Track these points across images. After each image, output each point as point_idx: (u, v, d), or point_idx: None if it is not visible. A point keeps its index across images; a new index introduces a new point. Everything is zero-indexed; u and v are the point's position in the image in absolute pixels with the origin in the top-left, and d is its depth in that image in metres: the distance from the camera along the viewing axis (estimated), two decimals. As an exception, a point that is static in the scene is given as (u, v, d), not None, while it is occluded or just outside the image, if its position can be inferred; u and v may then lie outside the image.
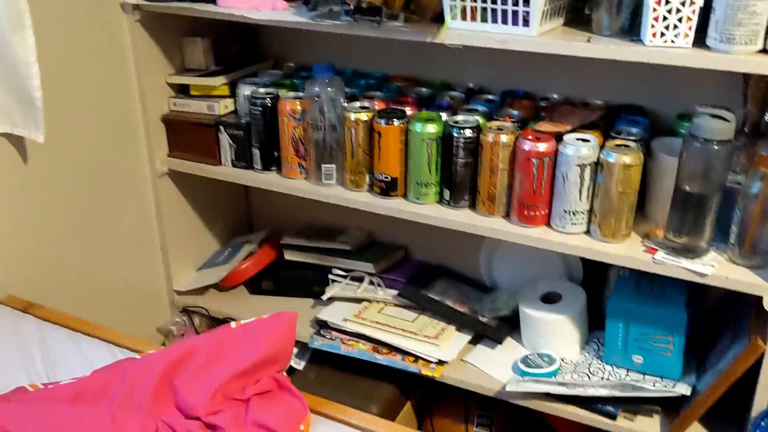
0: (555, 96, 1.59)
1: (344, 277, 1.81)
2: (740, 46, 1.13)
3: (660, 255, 1.31)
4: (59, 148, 1.54)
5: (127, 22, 1.63)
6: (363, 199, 1.55)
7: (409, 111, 1.51)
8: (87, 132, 1.61)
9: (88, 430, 0.96)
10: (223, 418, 1.02)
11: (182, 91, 1.76)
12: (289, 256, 1.88)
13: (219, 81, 1.69)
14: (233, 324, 1.17)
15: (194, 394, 1.04)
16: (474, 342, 1.66)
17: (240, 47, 1.82)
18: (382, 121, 1.48)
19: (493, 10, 1.28)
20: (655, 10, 1.16)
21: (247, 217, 2.12)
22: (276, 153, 1.64)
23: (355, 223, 1.94)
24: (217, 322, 1.89)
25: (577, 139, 1.35)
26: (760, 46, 1.13)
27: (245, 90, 1.66)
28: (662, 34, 1.18)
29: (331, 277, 1.81)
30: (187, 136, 1.73)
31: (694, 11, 1.15)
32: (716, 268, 1.27)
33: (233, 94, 1.71)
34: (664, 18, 1.16)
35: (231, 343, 1.12)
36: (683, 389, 1.41)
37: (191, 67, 1.76)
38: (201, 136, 1.71)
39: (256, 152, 1.66)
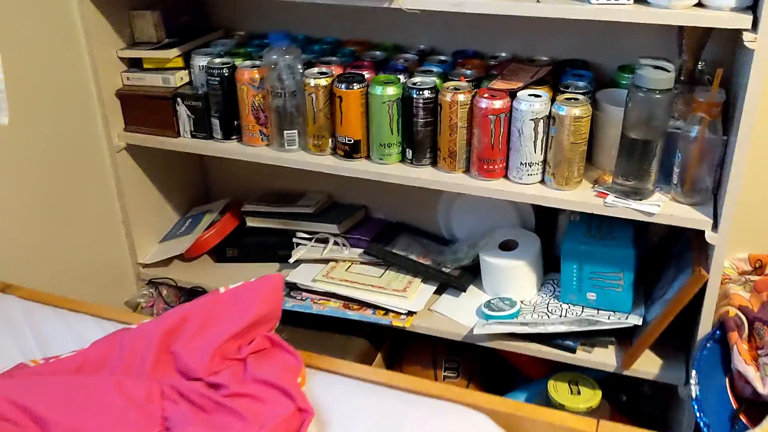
0: (503, 54, 1.67)
1: (309, 239, 1.86)
2: (678, 1, 1.23)
3: (611, 198, 1.42)
4: (15, 129, 1.52)
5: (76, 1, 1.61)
6: (327, 162, 1.60)
7: (366, 74, 1.56)
8: (42, 111, 1.60)
9: (95, 398, 1.01)
10: (224, 377, 1.08)
11: (134, 65, 1.75)
12: (251, 222, 1.92)
13: (173, 53, 1.69)
14: (222, 289, 1.22)
15: (193, 357, 1.09)
16: (439, 292, 1.75)
17: (189, 18, 1.82)
18: (343, 86, 1.52)
19: (447, -26, 1.34)
20: (599, -30, 1.24)
21: (204, 188, 2.14)
22: (236, 122, 1.67)
23: (313, 188, 1.99)
24: (184, 291, 1.92)
25: (530, 95, 1.43)
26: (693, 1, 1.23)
27: (200, 61, 1.68)
28: (607, -7, 1.26)
29: (295, 240, 1.87)
30: (143, 109, 1.74)
31: (635, -30, 1.24)
32: (662, 207, 1.39)
33: (187, 66, 1.72)
34: (608, -22, 1.25)
35: (222, 307, 1.17)
36: (635, 320, 1.54)
37: (142, 41, 1.75)
38: (158, 108, 1.71)
39: (216, 122, 1.68)
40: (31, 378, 1.04)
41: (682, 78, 1.45)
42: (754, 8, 1.21)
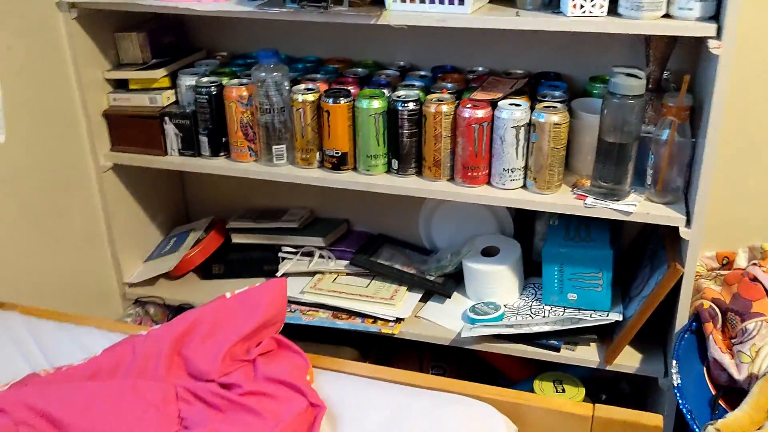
0: (480, 68, 1.75)
1: (294, 253, 1.90)
2: (648, 12, 1.32)
3: (590, 200, 1.50)
4: (2, 148, 1.53)
5: (63, 20, 1.64)
6: (315, 175, 1.65)
7: (351, 90, 1.62)
8: (29, 132, 1.62)
9: (112, 401, 1.03)
10: (236, 377, 1.11)
11: (120, 85, 1.79)
12: (236, 239, 1.95)
13: (160, 73, 1.73)
14: (228, 294, 1.25)
15: (205, 359, 1.12)
16: (424, 299, 1.80)
17: (172, 39, 1.86)
18: (330, 100, 1.58)
19: (430, -9, 1.41)
20: (574, -14, 1.34)
21: (185, 206, 2.16)
22: (224, 138, 1.71)
23: (295, 203, 2.03)
24: (172, 309, 1.94)
25: (510, 104, 1.51)
26: (663, 11, 1.33)
27: (187, 80, 1.72)
28: (581, 6, 1.35)
29: (281, 254, 1.90)
30: (130, 129, 1.77)
31: (607, -16, 1.33)
32: (638, 206, 1.47)
33: (174, 85, 1.76)
34: (582, -7, 1.34)
35: (230, 312, 1.20)
36: (616, 316, 1.61)
37: (127, 62, 1.79)
38: (145, 128, 1.75)
39: (204, 139, 1.72)
40: (46, 385, 1.06)
41: (649, 86, 1.55)
42: (716, 17, 1.31)
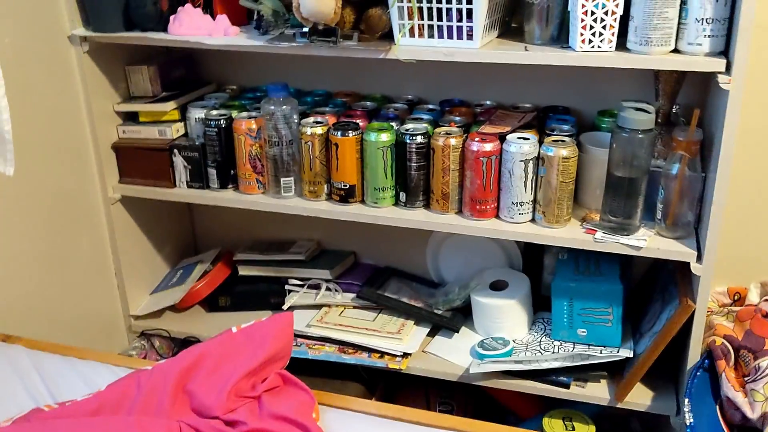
0: (488, 102, 1.75)
1: (301, 286, 1.89)
2: (657, 47, 1.32)
3: (599, 234, 1.48)
4: (12, 180, 1.53)
5: (75, 54, 1.66)
6: (323, 208, 1.65)
7: (360, 123, 1.63)
8: (39, 164, 1.62)
9: (116, 438, 1.01)
10: (241, 414, 1.09)
11: (130, 118, 1.79)
12: (243, 271, 1.95)
13: (169, 106, 1.74)
14: (234, 329, 1.24)
15: (210, 395, 1.10)
16: (432, 334, 1.78)
17: (182, 72, 1.88)
18: (338, 133, 1.58)
19: (439, 27, 1.42)
20: (582, 20, 1.34)
21: (192, 238, 2.16)
22: (233, 171, 1.71)
23: (302, 235, 2.03)
24: (177, 342, 1.92)
25: (519, 138, 1.51)
26: (672, 46, 1.33)
27: (196, 113, 1.73)
28: (590, 41, 1.35)
29: (288, 287, 1.89)
30: (139, 161, 1.77)
31: (615, 20, 1.33)
32: (648, 241, 1.46)
33: (183, 118, 1.77)
34: (591, 27, 1.34)
35: (236, 346, 1.19)
36: (626, 353, 1.59)
37: (137, 95, 1.80)
38: (154, 160, 1.75)
39: (213, 172, 1.72)
40: (50, 420, 1.04)
41: (659, 120, 1.55)
42: (726, 52, 1.31)
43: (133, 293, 1.92)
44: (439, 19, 1.41)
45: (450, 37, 1.42)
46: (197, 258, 2.05)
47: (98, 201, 1.79)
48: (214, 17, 1.61)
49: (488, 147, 1.51)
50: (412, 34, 1.44)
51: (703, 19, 1.29)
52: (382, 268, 1.99)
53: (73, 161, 1.71)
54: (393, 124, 1.62)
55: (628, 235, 1.47)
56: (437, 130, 1.57)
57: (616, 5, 1.32)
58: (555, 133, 1.55)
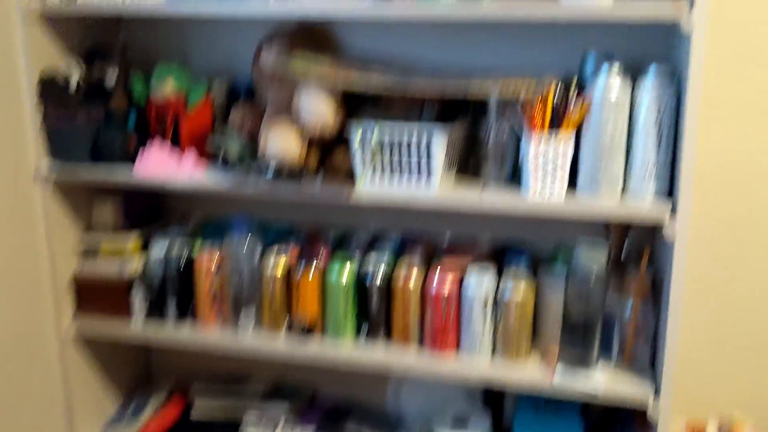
0: (448, 235, 1.79)
1: (258, 422, 1.85)
2: (605, 195, 1.39)
3: (557, 378, 1.50)
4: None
5: (39, 190, 1.67)
6: (281, 348, 1.64)
7: (322, 258, 1.64)
8: (-6, 300, 1.60)
9: None
10: None
11: (91, 251, 1.78)
12: (198, 412, 1.90)
13: (131, 240, 1.74)
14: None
15: None
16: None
17: (146, 204, 1.89)
18: (300, 271, 1.60)
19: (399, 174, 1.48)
20: (534, 174, 1.41)
21: (147, 369, 2.11)
22: (191, 305, 1.70)
23: (261, 367, 2.00)
24: (128, 482, 1.84)
25: (476, 279, 1.54)
26: (619, 193, 1.40)
27: (158, 247, 1.72)
28: (540, 192, 1.41)
29: (245, 421, 1.84)
30: (97, 296, 1.75)
31: (564, 171, 1.40)
32: (604, 382, 1.47)
33: (144, 251, 1.76)
34: (542, 179, 1.41)
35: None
36: (588, 493, 1.57)
37: (99, 228, 1.80)
38: (112, 295, 1.73)
39: (171, 307, 1.71)
40: None
41: (611, 258, 1.59)
42: (671, 193, 1.38)
43: (83, 428, 1.85)
44: (400, 166, 1.46)
45: (409, 181, 1.48)
46: (150, 391, 2.00)
47: (51, 337, 1.75)
48: (182, 151, 1.64)
49: (447, 288, 1.54)
50: (374, 176, 1.49)
51: (647, 166, 1.36)
52: (341, 404, 1.95)
53: (28, 296, 1.68)
54: (355, 258, 1.63)
55: (587, 368, 1.49)
56: (398, 268, 1.59)
57: (565, 157, 1.39)
58: (512, 270, 1.58)
